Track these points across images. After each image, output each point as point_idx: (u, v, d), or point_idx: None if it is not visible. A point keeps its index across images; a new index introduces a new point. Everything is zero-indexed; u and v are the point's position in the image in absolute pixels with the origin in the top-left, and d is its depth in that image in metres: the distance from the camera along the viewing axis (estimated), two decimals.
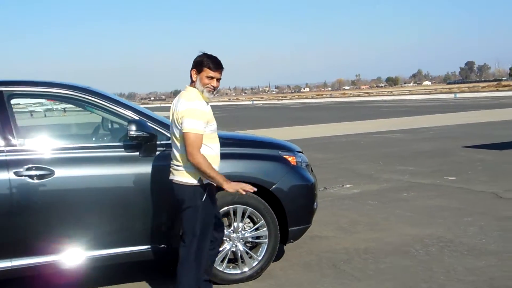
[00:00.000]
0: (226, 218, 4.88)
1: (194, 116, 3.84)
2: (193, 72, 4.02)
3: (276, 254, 5.06)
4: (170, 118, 4.11)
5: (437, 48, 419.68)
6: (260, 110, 56.45)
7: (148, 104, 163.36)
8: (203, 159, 3.83)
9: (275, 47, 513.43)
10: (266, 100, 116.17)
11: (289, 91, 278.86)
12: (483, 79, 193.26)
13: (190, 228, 3.99)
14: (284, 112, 47.73)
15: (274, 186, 4.94)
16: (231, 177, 4.20)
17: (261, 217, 4.93)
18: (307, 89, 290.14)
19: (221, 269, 4.85)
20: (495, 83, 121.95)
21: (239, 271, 4.92)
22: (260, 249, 4.98)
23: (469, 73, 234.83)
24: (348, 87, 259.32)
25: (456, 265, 5.06)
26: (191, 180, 3.95)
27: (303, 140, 18.43)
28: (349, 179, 10.05)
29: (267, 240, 4.96)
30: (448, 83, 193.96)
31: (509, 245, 5.53)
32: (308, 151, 15.01)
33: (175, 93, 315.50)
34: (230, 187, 3.90)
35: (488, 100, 45.07)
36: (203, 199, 3.97)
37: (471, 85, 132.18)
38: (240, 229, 4.90)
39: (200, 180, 3.94)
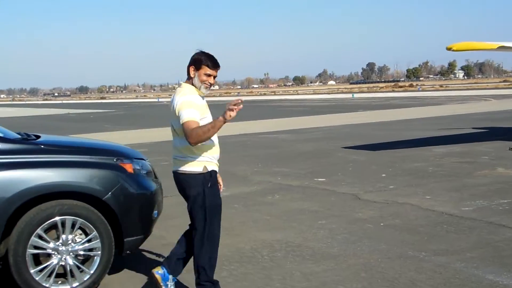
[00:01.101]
0: (54, 231, 4.58)
1: (189, 106, 4.04)
2: (192, 68, 4.22)
3: (110, 266, 4.83)
4: (171, 113, 4.23)
5: (341, 49, 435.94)
6: (162, 108, 55.49)
7: (50, 100, 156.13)
8: (196, 130, 3.95)
9: (182, 44, 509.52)
10: (169, 98, 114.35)
11: None
12: (383, 80, 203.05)
13: (199, 214, 4.22)
14: None
15: (107, 196, 4.70)
16: (59, 187, 4.17)
17: (93, 228, 4.67)
18: (216, 87, 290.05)
19: (47, 285, 4.55)
20: (393, 84, 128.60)
21: (68, 287, 4.64)
22: (93, 262, 4.73)
23: (371, 74, 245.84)
24: (257, 86, 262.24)
25: (295, 270, 5.10)
26: (196, 169, 4.18)
27: None
28: (223, 182, 9.98)
29: (100, 252, 4.71)
30: (351, 83, 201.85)
31: (349, 248, 5.67)
32: None
33: (81, 89, 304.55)
34: (227, 116, 3.87)
35: (381, 100, 47.34)
36: (208, 186, 4.21)
37: (371, 85, 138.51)
38: (69, 242, 4.62)
39: (204, 168, 4.18)
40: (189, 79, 4.25)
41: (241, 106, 3.89)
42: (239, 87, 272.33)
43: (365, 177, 9.74)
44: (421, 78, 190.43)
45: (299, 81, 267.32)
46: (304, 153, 13.51)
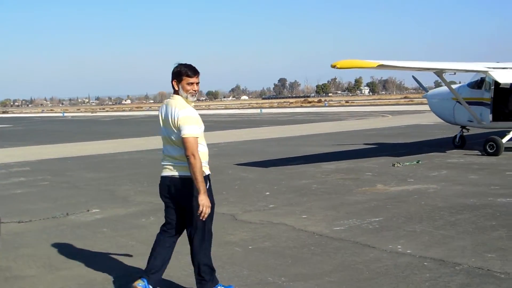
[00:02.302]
0: None
1: (191, 122, 4.43)
2: (174, 82, 4.56)
3: None
4: (162, 123, 4.61)
5: (254, 65, 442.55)
6: (65, 123, 53.24)
7: None
8: (200, 162, 4.41)
9: (92, 57, 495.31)
10: (80, 112, 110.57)
11: (109, 103, 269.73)
12: (294, 95, 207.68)
13: (204, 223, 4.54)
14: (87, 125, 45.70)
15: None
16: None
17: None
18: (128, 101, 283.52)
19: None
20: (302, 99, 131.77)
21: None
22: None
23: (282, 89, 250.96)
24: None
25: None
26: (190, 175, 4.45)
27: (85, 157, 17.43)
28: (100, 203, 9.42)
29: None
30: (263, 98, 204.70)
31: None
32: (79, 169, 14.34)
33: None
34: (203, 199, 4.38)
35: (287, 116, 48.09)
36: (207, 187, 4.49)
37: (282, 100, 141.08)
38: None
39: (203, 173, 4.46)
40: (175, 92, 4.58)
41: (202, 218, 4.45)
42: (152, 101, 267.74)
43: (249, 196, 9.56)
44: (330, 94, 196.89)
45: (212, 95, 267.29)
46: None
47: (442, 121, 16.33)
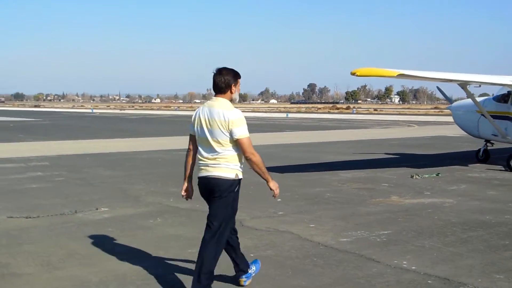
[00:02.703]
0: None
1: (244, 123, 4.69)
2: (233, 85, 4.79)
3: None
4: (206, 126, 4.73)
5: (284, 69, 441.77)
6: (92, 119, 53.89)
7: None
8: (260, 157, 4.78)
9: (125, 55, 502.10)
10: (109, 109, 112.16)
11: (139, 101, 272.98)
12: (323, 101, 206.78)
13: (222, 214, 4.77)
14: (114, 122, 46.22)
15: None
16: None
17: None
18: (158, 100, 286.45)
19: None
20: (331, 105, 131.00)
21: None
22: None
23: (311, 94, 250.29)
24: (199, 101, 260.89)
25: None
26: (230, 175, 4.74)
27: (104, 155, 17.55)
28: (111, 201, 9.43)
29: None
30: (292, 103, 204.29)
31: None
32: (96, 166, 14.43)
33: (16, 96, 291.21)
34: (274, 184, 4.95)
35: (312, 121, 47.69)
36: (235, 191, 4.83)
37: (310, 105, 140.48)
38: None
39: (236, 176, 4.76)
40: (226, 94, 4.78)
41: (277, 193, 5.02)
42: (181, 101, 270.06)
43: (260, 201, 9.44)
44: (359, 101, 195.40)
45: (241, 98, 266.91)
46: None
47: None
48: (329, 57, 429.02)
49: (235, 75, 4.83)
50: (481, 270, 5.65)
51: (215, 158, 4.73)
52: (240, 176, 4.84)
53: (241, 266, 5.19)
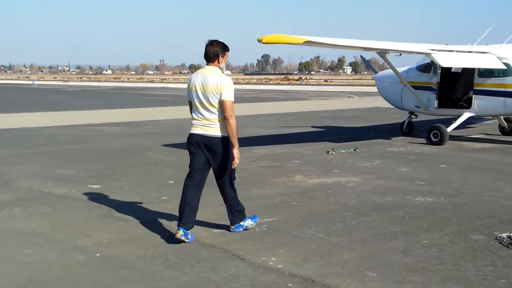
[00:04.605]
0: None
1: (231, 88, 5.44)
2: (221, 56, 5.53)
3: None
4: (201, 91, 5.44)
5: (238, 39, 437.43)
6: (25, 92, 51.26)
7: None
8: (235, 121, 5.44)
9: (77, 24, 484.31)
10: (54, 80, 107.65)
11: (90, 72, 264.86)
12: (277, 72, 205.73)
13: (228, 165, 5.57)
14: (45, 95, 44.25)
15: None
16: None
17: None
18: (109, 72, 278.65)
19: None
20: (283, 76, 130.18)
21: None
22: None
23: (265, 65, 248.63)
24: (152, 72, 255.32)
25: None
26: (224, 133, 5.46)
27: (4, 131, 16.11)
28: None
29: None
30: (246, 74, 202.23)
31: None
32: None
33: None
34: (237, 153, 5.50)
35: (253, 93, 46.33)
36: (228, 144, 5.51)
37: (263, 77, 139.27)
38: None
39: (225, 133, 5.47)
40: (215, 63, 5.51)
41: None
42: (133, 72, 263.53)
43: (149, 184, 8.50)
44: (312, 72, 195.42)
45: (195, 69, 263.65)
46: (112, 151, 12.09)
47: None
48: (282, 28, 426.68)
49: (224, 47, 5.57)
50: (355, 266, 4.88)
51: (210, 119, 5.46)
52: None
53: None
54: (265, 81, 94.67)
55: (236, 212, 5.85)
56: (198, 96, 5.44)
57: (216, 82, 5.37)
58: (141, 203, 7.32)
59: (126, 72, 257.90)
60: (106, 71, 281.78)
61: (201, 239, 5.73)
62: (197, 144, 5.54)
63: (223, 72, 5.54)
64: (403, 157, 10.88)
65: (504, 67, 12.02)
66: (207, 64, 5.54)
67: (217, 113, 5.41)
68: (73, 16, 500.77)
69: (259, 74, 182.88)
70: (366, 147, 12.27)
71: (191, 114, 5.65)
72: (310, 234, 5.87)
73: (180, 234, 5.48)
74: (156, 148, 12.49)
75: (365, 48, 11.79)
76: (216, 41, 5.54)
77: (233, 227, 5.91)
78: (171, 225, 6.20)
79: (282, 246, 5.47)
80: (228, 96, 5.36)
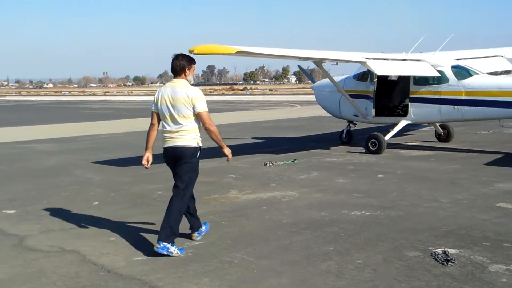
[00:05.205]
0: None
1: (204, 100, 5.69)
2: (187, 69, 5.73)
3: None
4: (171, 103, 5.63)
5: (181, 50, 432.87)
6: None
7: None
8: (215, 127, 5.72)
9: (14, 36, 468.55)
10: None
11: (30, 86, 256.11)
12: (222, 82, 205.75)
13: (187, 177, 5.76)
14: None
15: None
16: None
17: None
18: (50, 85, 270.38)
19: None
20: (228, 86, 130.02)
21: None
22: None
23: (211, 76, 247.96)
24: (95, 85, 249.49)
25: None
26: (193, 144, 5.73)
27: None
28: None
29: None
30: (192, 85, 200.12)
31: None
32: None
33: None
34: (228, 150, 5.93)
35: None
36: (197, 156, 5.83)
37: (208, 87, 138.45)
38: None
39: (197, 144, 5.76)
40: (182, 76, 5.70)
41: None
42: (76, 85, 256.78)
43: (71, 207, 7.86)
44: (257, 82, 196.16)
45: (139, 81, 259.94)
46: (39, 170, 11.38)
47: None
48: (226, 39, 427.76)
49: (189, 61, 5.74)
50: None
51: (179, 130, 5.63)
52: (201, 144, 5.79)
53: (194, 226, 6.10)
54: (210, 92, 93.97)
55: (164, 229, 5.64)
56: (168, 109, 5.62)
57: (187, 94, 5.56)
58: (58, 230, 6.70)
59: (68, 86, 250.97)
60: (47, 84, 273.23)
61: (119, 269, 5.21)
62: (172, 158, 5.75)
63: (190, 84, 5.72)
64: (341, 168, 10.65)
65: (438, 75, 12.07)
66: (174, 78, 5.72)
67: (186, 124, 5.60)
68: (10, 28, 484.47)
69: (205, 85, 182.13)
70: (305, 158, 12.01)
71: (150, 125, 5.81)
72: (239, 258, 5.45)
73: (195, 236, 6.07)
74: (86, 166, 11.80)
75: (300, 58, 11.56)
76: (182, 54, 5.75)
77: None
78: (87, 255, 5.66)
79: (207, 274, 5.03)
80: (203, 108, 5.61)
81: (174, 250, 5.53)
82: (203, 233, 6.16)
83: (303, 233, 6.27)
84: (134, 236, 6.35)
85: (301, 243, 5.88)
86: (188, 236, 6.08)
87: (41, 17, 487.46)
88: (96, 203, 8.16)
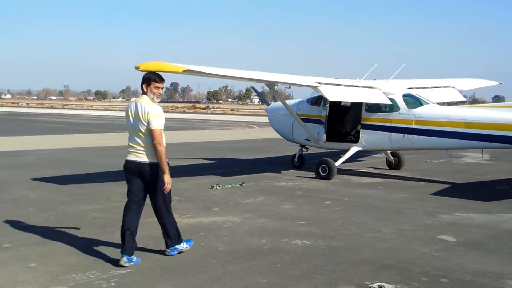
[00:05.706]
0: None
1: (160, 117, 5.81)
2: (144, 86, 5.93)
3: None
4: (132, 118, 5.86)
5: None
6: None
7: None
8: (164, 148, 5.81)
9: None
10: None
11: None
12: (186, 100, 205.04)
13: (161, 189, 5.94)
14: None
15: None
16: None
17: None
18: (8, 96, 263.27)
19: None
20: (191, 104, 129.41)
21: None
22: None
23: (174, 93, 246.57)
24: (55, 98, 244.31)
25: None
26: (155, 160, 5.82)
27: None
28: None
29: None
30: (157, 103, 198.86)
31: None
32: None
33: None
34: (167, 178, 5.87)
35: None
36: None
37: (170, 105, 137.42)
38: None
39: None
40: (144, 93, 5.92)
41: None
42: (35, 97, 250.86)
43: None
44: (220, 101, 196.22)
45: (101, 95, 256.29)
46: None
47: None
48: (190, 58, 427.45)
49: (147, 79, 5.91)
50: None
51: (142, 146, 5.80)
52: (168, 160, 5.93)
53: (128, 248, 5.85)
54: (172, 110, 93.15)
55: (172, 235, 6.09)
56: (130, 123, 5.87)
57: (144, 110, 5.74)
58: None
59: (27, 97, 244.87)
60: (5, 95, 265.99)
61: None
62: (132, 171, 5.90)
63: (152, 101, 5.83)
64: (289, 193, 10.42)
65: (390, 103, 12.07)
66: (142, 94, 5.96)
67: (146, 140, 5.75)
68: None
69: (167, 102, 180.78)
70: (254, 181, 11.74)
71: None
72: None
73: (124, 261, 5.73)
74: (24, 182, 11.21)
75: (250, 79, 11.36)
76: (146, 73, 6.04)
77: (169, 250, 6.12)
78: (3, 282, 5.20)
79: None
80: (157, 125, 5.71)
81: (184, 246, 6.21)
82: (137, 263, 5.84)
83: (238, 262, 5.98)
84: (58, 261, 5.91)
85: (235, 274, 5.58)
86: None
87: (0, 25, 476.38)
88: (27, 223, 7.66)
